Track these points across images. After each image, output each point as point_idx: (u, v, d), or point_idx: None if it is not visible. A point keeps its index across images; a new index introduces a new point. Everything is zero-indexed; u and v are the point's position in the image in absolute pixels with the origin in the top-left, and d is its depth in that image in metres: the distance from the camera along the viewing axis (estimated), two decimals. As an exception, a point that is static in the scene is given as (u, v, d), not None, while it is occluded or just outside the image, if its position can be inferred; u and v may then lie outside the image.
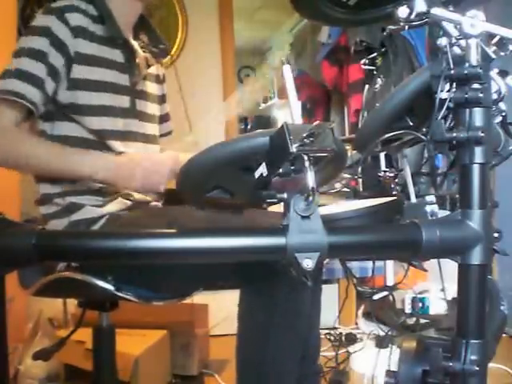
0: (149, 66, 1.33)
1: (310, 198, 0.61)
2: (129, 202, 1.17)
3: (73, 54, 1.13)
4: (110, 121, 1.17)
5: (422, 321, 2.19)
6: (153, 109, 1.33)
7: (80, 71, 1.14)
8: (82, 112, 1.14)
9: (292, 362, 1.09)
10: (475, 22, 0.64)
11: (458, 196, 0.68)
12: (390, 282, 2.23)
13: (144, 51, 1.33)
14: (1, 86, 1.09)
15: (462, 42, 0.65)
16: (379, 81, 2.51)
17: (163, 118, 1.40)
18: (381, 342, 1.98)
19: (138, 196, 1.20)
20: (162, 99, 1.39)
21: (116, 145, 1.18)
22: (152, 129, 1.32)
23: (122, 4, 1.22)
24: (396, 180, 0.94)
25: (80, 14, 1.14)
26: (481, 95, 0.64)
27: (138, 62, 1.26)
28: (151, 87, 1.33)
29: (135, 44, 1.29)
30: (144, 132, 1.28)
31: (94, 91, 1.15)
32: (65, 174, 1.13)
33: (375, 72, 2.52)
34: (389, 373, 0.69)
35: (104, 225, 1.12)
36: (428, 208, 0.80)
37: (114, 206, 1.15)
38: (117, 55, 1.20)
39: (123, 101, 1.21)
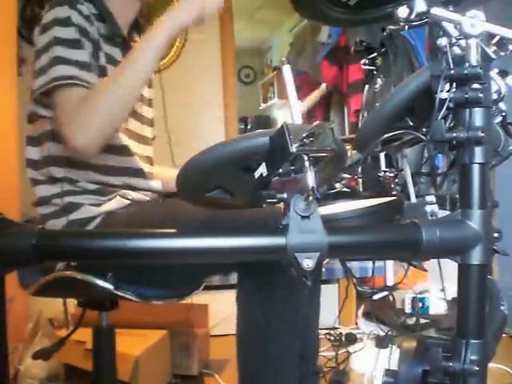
0: None
1: (310, 198, 0.61)
2: (127, 201, 1.17)
3: (96, 40, 1.12)
4: None
5: (422, 321, 2.19)
6: (146, 111, 1.33)
7: (101, 60, 1.13)
8: None
9: (291, 360, 1.09)
10: (475, 22, 0.64)
11: (457, 196, 0.68)
12: (390, 282, 2.22)
13: None
14: (46, 78, 1.03)
15: (462, 42, 0.65)
16: (379, 81, 2.51)
17: (151, 123, 1.40)
18: (381, 342, 1.98)
19: (136, 195, 1.20)
20: (150, 103, 1.39)
21: (120, 136, 1.18)
22: (147, 131, 1.33)
23: (119, 3, 1.21)
24: (396, 180, 0.94)
25: (84, 6, 1.13)
26: (481, 95, 0.64)
27: None
28: (143, 90, 1.33)
29: (132, 44, 1.29)
30: (140, 133, 1.28)
31: None
32: (155, 61, 1.07)
33: (375, 72, 2.52)
34: (388, 372, 0.69)
35: (101, 222, 1.12)
36: (428, 208, 0.80)
37: (112, 204, 1.15)
38: (116, 53, 1.20)
39: None
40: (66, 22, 1.08)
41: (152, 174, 1.30)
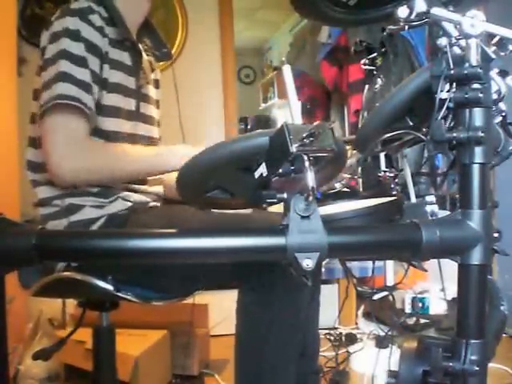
0: (153, 70, 1.33)
1: (310, 198, 0.61)
2: (128, 203, 1.17)
3: (104, 54, 1.13)
4: (120, 122, 1.18)
5: (422, 321, 2.19)
6: (154, 112, 1.33)
7: (105, 72, 1.14)
8: (101, 113, 1.14)
9: (290, 360, 1.09)
10: (475, 22, 0.64)
11: (457, 196, 0.68)
12: (389, 282, 2.23)
13: (147, 55, 1.33)
14: (51, 93, 1.05)
15: (462, 42, 0.65)
16: (379, 81, 2.51)
17: (159, 123, 1.40)
18: (381, 342, 1.98)
19: (137, 197, 1.20)
20: (158, 104, 1.39)
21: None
22: (154, 131, 1.33)
23: (129, 5, 1.21)
24: (396, 180, 0.94)
25: (97, 15, 1.13)
26: (481, 95, 0.64)
27: (143, 65, 1.27)
28: (152, 91, 1.33)
29: (141, 47, 1.29)
30: (148, 135, 1.28)
31: (111, 92, 1.15)
32: (153, 174, 1.20)
33: (375, 72, 2.52)
34: (391, 373, 0.69)
35: (103, 225, 1.13)
36: (428, 208, 0.80)
37: (114, 206, 1.15)
38: (125, 57, 1.20)
39: (130, 103, 1.21)
40: (75, 36, 1.08)
41: (156, 180, 1.30)
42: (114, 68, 1.16)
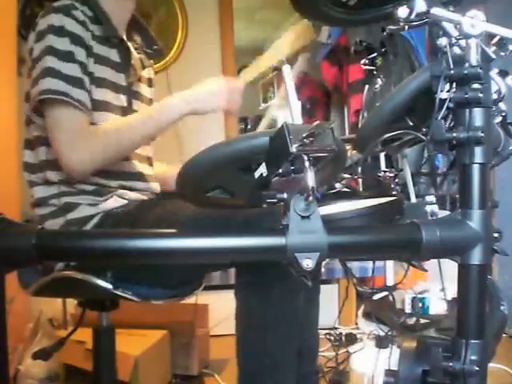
0: (144, 68, 1.33)
1: (310, 198, 0.61)
2: (124, 201, 1.17)
3: (88, 46, 1.13)
4: (111, 118, 1.18)
5: (422, 321, 2.19)
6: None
7: (90, 65, 1.14)
8: (93, 107, 1.13)
9: (290, 355, 1.08)
10: (475, 22, 0.64)
11: (457, 196, 0.68)
12: (390, 282, 2.23)
13: (138, 52, 1.33)
14: (37, 89, 1.06)
15: (462, 42, 0.65)
16: (379, 81, 2.51)
17: None
18: (381, 342, 1.98)
19: (132, 195, 1.20)
20: (151, 102, 1.39)
21: None
22: None
23: (113, 3, 1.21)
24: (396, 180, 0.94)
25: (80, 12, 1.13)
26: (481, 95, 0.64)
27: (133, 62, 1.26)
28: (144, 89, 1.33)
29: (130, 44, 1.29)
30: None
31: (101, 87, 1.15)
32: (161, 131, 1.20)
33: (375, 72, 2.52)
34: (388, 372, 0.69)
35: (99, 222, 1.13)
36: (428, 208, 0.80)
37: (109, 204, 1.15)
38: (113, 54, 1.20)
39: (121, 99, 1.21)
40: (59, 31, 1.09)
41: (151, 176, 1.30)
42: (100, 63, 1.16)
